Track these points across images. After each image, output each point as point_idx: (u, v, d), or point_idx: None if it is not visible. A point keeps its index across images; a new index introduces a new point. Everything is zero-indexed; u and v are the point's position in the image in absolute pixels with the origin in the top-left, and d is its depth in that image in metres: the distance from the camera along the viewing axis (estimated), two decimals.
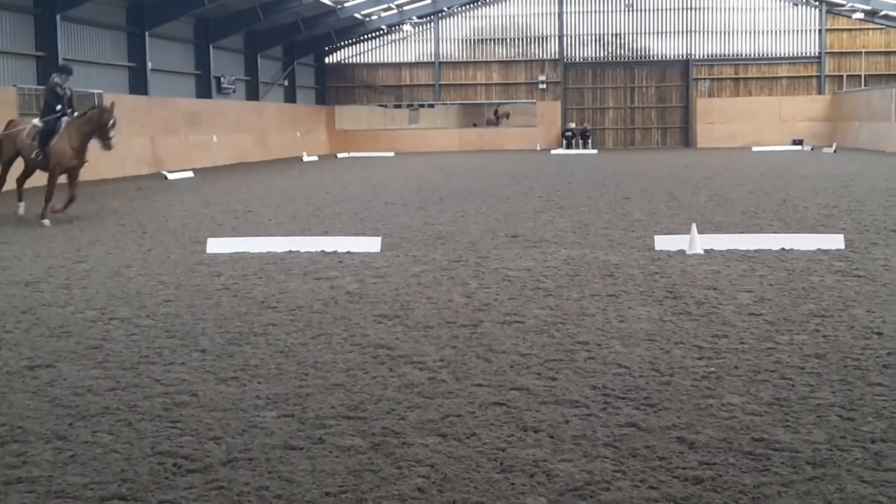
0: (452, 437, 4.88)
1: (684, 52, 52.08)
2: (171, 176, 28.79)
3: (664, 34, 52.23)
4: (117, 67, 33.62)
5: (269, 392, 5.73)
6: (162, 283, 9.81)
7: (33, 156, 16.33)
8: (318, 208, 18.07)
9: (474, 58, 53.36)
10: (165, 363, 6.46)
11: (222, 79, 41.17)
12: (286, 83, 49.01)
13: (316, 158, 42.48)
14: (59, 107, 15.99)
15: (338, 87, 54.01)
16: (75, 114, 16.12)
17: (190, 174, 30.11)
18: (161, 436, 4.96)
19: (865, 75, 50.42)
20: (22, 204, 16.96)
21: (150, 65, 34.63)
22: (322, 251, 11.80)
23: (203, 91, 39.72)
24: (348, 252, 11.70)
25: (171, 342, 7.09)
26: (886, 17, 49.65)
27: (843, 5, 49.66)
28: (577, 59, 52.88)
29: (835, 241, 11.45)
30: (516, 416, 5.21)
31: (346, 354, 6.64)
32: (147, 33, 34.36)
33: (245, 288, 9.40)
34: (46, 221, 15.52)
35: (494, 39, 53.35)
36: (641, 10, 52.03)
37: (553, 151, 46.00)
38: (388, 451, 4.68)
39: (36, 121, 16.48)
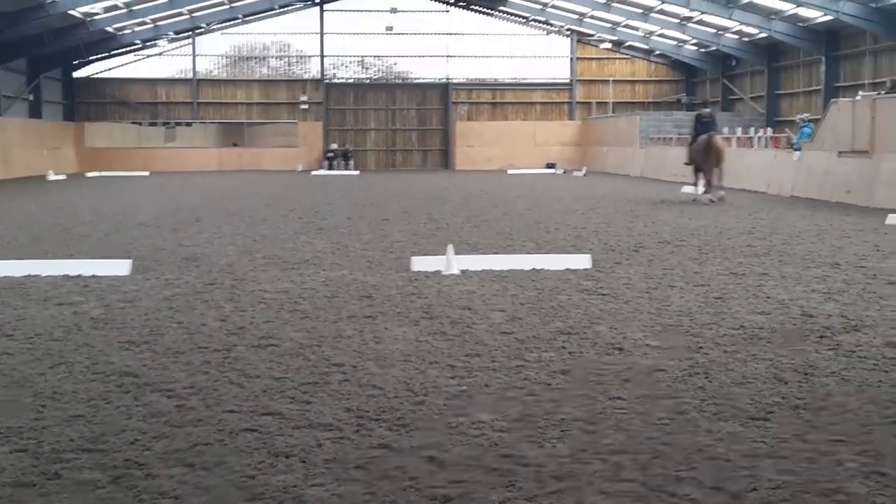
0: (200, 466, 4.71)
1: (444, 76, 53.35)
2: None
3: (424, 57, 53.28)
4: None
5: (0, 426, 5.34)
6: None
7: None
8: (65, 229, 17.18)
9: (234, 76, 52.55)
10: None
11: None
12: (31, 97, 46.44)
13: (64, 177, 40.44)
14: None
15: (88, 103, 51.65)
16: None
17: None
18: None
19: (613, 102, 53.37)
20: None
21: None
22: (66, 275, 11.17)
23: None
24: (94, 276, 11.14)
25: None
26: (631, 47, 52.77)
27: (591, 35, 52.36)
28: (339, 80, 53.12)
29: (582, 261, 11.96)
30: (268, 441, 5.09)
31: (88, 384, 6.29)
32: None
33: None
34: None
35: (255, 58, 52.78)
36: (402, 33, 52.85)
37: (314, 172, 45.87)
38: (131, 483, 4.46)
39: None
